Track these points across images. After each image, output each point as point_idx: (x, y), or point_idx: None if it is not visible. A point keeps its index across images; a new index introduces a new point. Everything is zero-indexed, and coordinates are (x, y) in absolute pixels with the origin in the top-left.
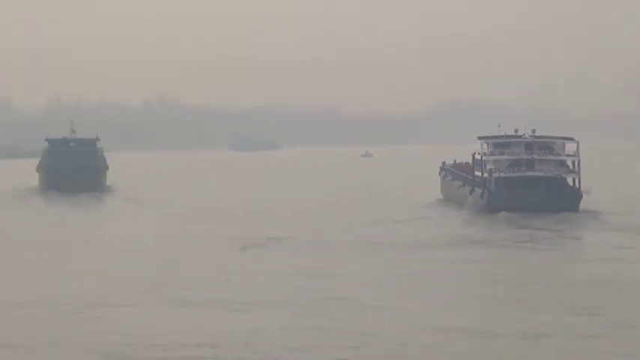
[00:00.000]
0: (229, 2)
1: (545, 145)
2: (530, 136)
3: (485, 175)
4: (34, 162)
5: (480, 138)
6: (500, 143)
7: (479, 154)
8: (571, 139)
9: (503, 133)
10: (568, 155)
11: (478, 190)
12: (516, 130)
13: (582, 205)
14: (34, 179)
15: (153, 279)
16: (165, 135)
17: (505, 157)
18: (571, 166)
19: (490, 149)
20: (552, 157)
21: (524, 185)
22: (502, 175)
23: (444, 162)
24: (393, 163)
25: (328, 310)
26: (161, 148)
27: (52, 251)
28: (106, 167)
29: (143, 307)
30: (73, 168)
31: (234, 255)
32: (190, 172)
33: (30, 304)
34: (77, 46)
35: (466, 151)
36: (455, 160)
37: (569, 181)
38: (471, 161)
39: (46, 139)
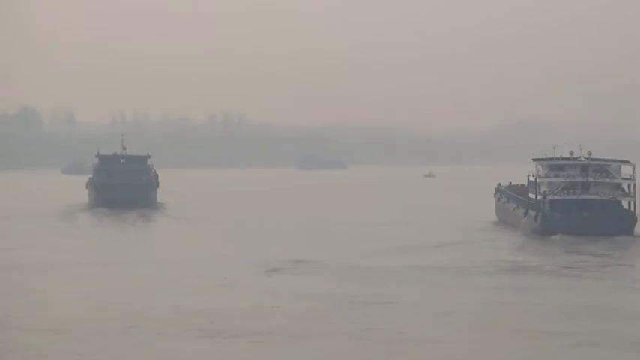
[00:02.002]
0: (289, 17)
1: (601, 168)
2: (585, 158)
3: (539, 197)
4: None
5: (534, 160)
6: (554, 165)
7: (533, 176)
8: (627, 162)
9: (558, 156)
10: (624, 178)
11: (532, 213)
12: (571, 153)
13: (637, 228)
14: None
15: (185, 305)
16: (229, 152)
17: (560, 179)
18: (627, 190)
19: (545, 171)
20: (607, 180)
21: (578, 208)
22: (556, 197)
23: (499, 184)
24: (454, 183)
25: (374, 342)
26: (224, 165)
27: (90, 273)
28: (157, 184)
29: (176, 337)
30: (122, 184)
31: (278, 278)
32: (252, 190)
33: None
34: (141, 62)
35: (525, 172)
36: (510, 182)
37: (625, 204)
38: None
39: (97, 156)
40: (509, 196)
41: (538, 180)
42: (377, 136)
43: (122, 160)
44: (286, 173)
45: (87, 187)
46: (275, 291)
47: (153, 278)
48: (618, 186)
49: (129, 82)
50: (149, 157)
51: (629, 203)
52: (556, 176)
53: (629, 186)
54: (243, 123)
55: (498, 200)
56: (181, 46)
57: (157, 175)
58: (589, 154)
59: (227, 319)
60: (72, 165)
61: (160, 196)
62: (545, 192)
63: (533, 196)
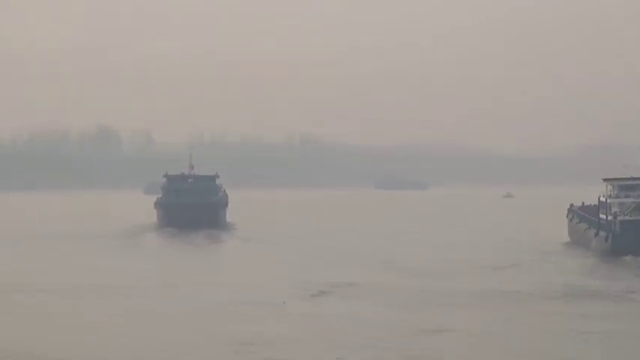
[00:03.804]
0: (364, 37)
1: None
2: None
3: (610, 217)
4: None
5: (605, 180)
6: (626, 186)
7: (604, 196)
8: None
9: (629, 176)
10: None
11: (602, 234)
12: None
13: None
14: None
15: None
16: (305, 172)
17: (630, 199)
18: None
19: (615, 191)
20: None
21: None
22: (627, 218)
23: (572, 204)
24: (532, 204)
25: None
26: (300, 184)
27: (145, 296)
28: (226, 204)
29: None
30: (190, 204)
31: (332, 302)
32: (326, 210)
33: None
34: (219, 83)
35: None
36: (583, 203)
37: None
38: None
39: (165, 175)
40: (581, 216)
41: (609, 200)
42: (458, 156)
43: (190, 180)
44: (364, 193)
45: (155, 207)
46: (328, 315)
47: (208, 303)
48: None
49: (207, 102)
50: (218, 176)
51: None
52: (627, 196)
53: None
54: (321, 143)
55: (570, 221)
56: (258, 67)
57: (226, 195)
58: None
59: (275, 347)
60: (152, 185)
61: (230, 216)
62: (615, 212)
63: (604, 217)
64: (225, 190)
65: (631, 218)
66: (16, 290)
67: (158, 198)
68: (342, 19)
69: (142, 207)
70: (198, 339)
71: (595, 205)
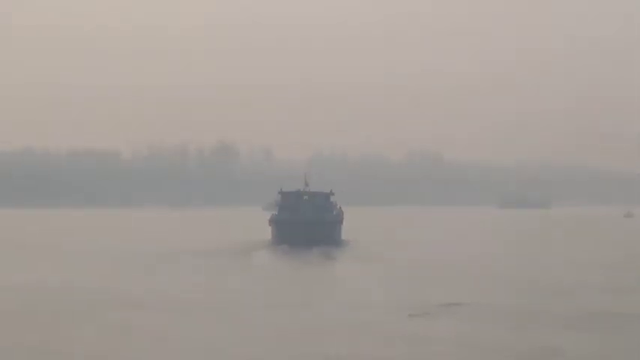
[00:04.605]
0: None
1: None
2: None
3: None
4: None
5: None
6: None
7: None
8: None
9: None
10: None
11: None
12: None
13: None
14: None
15: None
16: (426, 190)
17: None
18: None
19: None
20: None
21: None
22: None
23: None
24: None
25: None
26: (422, 203)
27: (257, 315)
28: (341, 221)
29: None
30: (305, 221)
31: (443, 324)
32: (448, 228)
33: None
34: (339, 99)
35: None
36: None
37: None
38: None
39: (279, 192)
40: None
41: None
42: (576, 174)
43: (305, 197)
44: (485, 212)
45: (269, 224)
46: (436, 337)
47: (312, 323)
48: None
49: (327, 118)
50: (333, 193)
51: None
52: None
53: None
54: (441, 161)
55: None
56: (378, 84)
57: (341, 212)
58: None
59: None
60: (271, 202)
61: (345, 234)
62: None
63: None
64: (340, 208)
65: None
66: (118, 308)
67: (272, 215)
68: (468, 33)
69: (258, 224)
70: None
71: None
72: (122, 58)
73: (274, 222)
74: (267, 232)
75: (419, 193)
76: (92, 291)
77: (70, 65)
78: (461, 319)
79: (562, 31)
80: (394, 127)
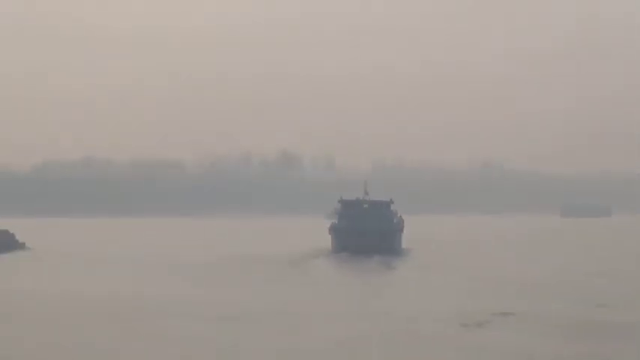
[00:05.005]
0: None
1: None
2: None
3: None
4: None
5: None
6: None
7: None
8: None
9: None
10: None
11: None
12: None
13: None
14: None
15: None
16: (488, 199)
17: None
18: None
19: None
20: None
21: None
22: None
23: None
24: None
25: None
26: (483, 211)
27: (310, 323)
28: (401, 230)
29: None
30: (364, 230)
31: (498, 334)
32: (507, 237)
33: None
34: (398, 107)
35: None
36: None
37: None
38: None
39: (339, 201)
40: None
41: None
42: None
43: (365, 205)
44: (547, 221)
45: (329, 233)
46: (491, 347)
47: (364, 332)
48: None
49: (389, 127)
50: (392, 202)
51: None
52: None
53: None
54: (501, 169)
55: None
56: (440, 88)
57: (402, 221)
58: None
59: None
60: (333, 211)
61: (405, 242)
62: None
63: None
64: (400, 216)
65: None
66: (171, 316)
67: (332, 223)
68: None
69: (319, 232)
70: None
71: None
72: (184, 67)
73: (334, 230)
74: (327, 241)
75: (480, 201)
76: (162, 301)
77: (133, 75)
78: (514, 329)
79: None
80: (455, 137)
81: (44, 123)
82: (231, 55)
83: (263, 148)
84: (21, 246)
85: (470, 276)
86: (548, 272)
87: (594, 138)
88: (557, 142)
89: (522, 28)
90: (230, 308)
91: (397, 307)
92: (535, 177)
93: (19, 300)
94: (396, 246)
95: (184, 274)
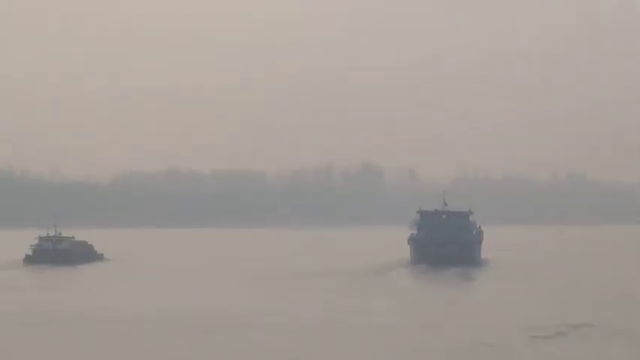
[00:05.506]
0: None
1: None
2: None
3: None
4: None
5: None
6: None
7: None
8: None
9: None
10: None
11: None
12: None
13: None
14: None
15: None
16: (572, 209)
17: None
18: None
19: None
20: None
21: None
22: None
23: None
24: None
25: None
26: (568, 222)
27: (382, 335)
28: (480, 241)
29: None
30: (443, 240)
31: (578, 346)
32: (593, 248)
33: None
34: (482, 117)
35: None
36: None
37: None
38: None
39: (418, 212)
40: None
41: None
42: None
43: (444, 216)
44: (632, 231)
45: (408, 243)
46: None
47: (442, 344)
48: None
49: (471, 137)
50: (472, 212)
51: None
52: None
53: None
54: (584, 179)
55: None
56: (520, 100)
57: (481, 231)
58: None
59: None
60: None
61: (485, 253)
62: None
63: None
64: (480, 227)
65: None
66: (255, 328)
67: (411, 234)
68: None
69: (400, 243)
70: None
71: None
72: (269, 77)
73: (413, 241)
74: (407, 252)
75: (563, 212)
76: (245, 313)
77: (217, 87)
78: (585, 341)
79: None
80: (539, 147)
81: (124, 136)
82: (319, 69)
83: (345, 159)
84: (100, 257)
85: (550, 287)
86: (632, 284)
87: None
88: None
89: None
90: (312, 319)
91: (472, 318)
92: (618, 187)
93: (99, 314)
94: (475, 257)
95: (266, 286)
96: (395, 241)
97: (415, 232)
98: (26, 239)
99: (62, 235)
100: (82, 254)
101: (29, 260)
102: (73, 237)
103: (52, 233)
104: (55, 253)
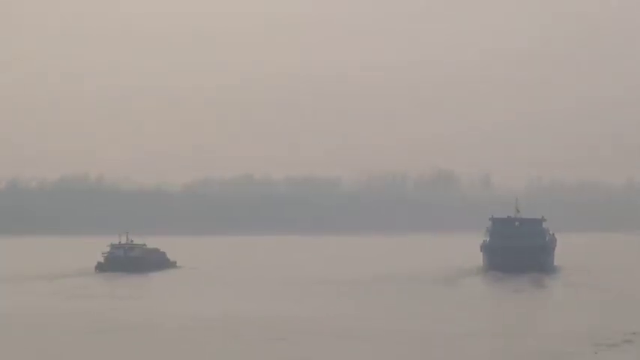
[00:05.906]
0: None
1: None
2: None
3: None
4: None
5: None
6: None
7: None
8: None
9: None
10: None
11: None
12: None
13: None
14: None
15: None
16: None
17: None
18: None
19: None
20: None
21: None
22: None
23: None
24: None
25: None
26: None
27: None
28: (553, 248)
29: None
30: (516, 247)
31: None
32: None
33: None
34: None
35: None
36: None
37: None
38: None
39: (490, 219)
40: None
41: None
42: None
43: (516, 223)
44: None
45: (481, 251)
46: None
47: (510, 351)
48: None
49: (545, 145)
50: (544, 219)
51: None
52: None
53: None
54: None
55: None
56: (597, 106)
57: (554, 238)
58: None
59: None
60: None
61: (558, 260)
62: None
63: None
64: (553, 234)
65: None
66: (328, 336)
67: (484, 241)
68: None
69: (474, 250)
70: None
71: None
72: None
73: (485, 248)
74: (480, 258)
75: (635, 218)
76: (317, 320)
77: (290, 92)
78: None
79: None
80: (614, 152)
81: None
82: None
83: (419, 166)
84: (172, 264)
85: (621, 295)
86: None
87: None
88: None
89: None
90: (386, 327)
91: (541, 326)
92: None
93: (168, 321)
94: (548, 263)
95: (340, 293)
96: (469, 247)
97: (488, 238)
98: (99, 246)
99: (134, 243)
100: (154, 262)
101: (101, 268)
102: (144, 244)
103: (123, 240)
104: (127, 261)
